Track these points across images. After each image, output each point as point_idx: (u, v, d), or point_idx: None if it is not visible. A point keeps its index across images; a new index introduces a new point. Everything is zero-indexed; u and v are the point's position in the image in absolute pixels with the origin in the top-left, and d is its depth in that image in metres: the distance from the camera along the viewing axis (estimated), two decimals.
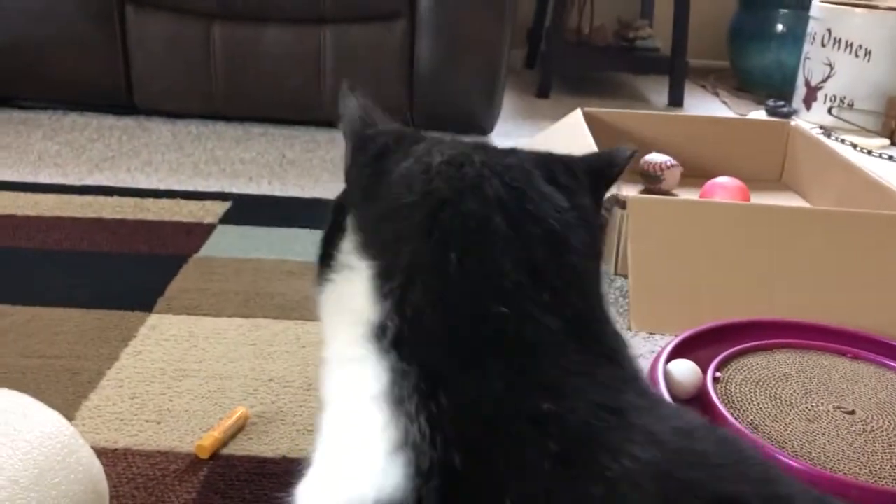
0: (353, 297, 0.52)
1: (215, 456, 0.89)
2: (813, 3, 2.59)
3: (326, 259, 0.58)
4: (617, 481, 0.41)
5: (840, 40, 2.47)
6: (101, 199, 1.58)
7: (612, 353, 0.50)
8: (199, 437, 0.90)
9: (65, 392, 0.98)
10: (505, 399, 0.45)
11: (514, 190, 0.53)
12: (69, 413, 0.94)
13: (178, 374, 1.04)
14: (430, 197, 0.52)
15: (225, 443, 0.91)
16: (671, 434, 0.45)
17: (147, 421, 0.94)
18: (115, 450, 0.89)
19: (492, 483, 0.42)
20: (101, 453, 0.84)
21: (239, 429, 0.93)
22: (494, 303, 0.48)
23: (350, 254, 0.54)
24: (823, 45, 2.51)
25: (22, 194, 1.57)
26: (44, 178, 1.68)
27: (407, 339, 0.47)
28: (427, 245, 0.50)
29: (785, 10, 2.79)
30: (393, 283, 0.50)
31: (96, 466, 0.71)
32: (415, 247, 0.50)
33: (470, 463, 0.43)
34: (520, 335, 0.47)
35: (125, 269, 1.32)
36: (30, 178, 1.68)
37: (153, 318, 1.16)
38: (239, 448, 0.90)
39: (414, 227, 0.51)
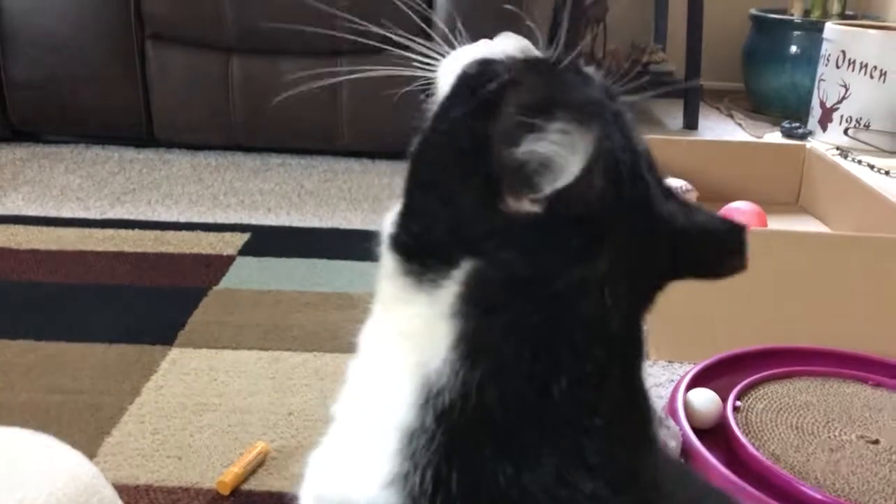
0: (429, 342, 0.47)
1: (236, 492, 0.89)
2: (826, 24, 2.59)
3: (426, 263, 0.47)
4: None
5: (854, 62, 2.47)
6: (123, 232, 1.60)
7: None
8: (220, 473, 0.91)
9: (87, 428, 0.99)
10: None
11: None
12: (91, 450, 0.95)
13: (199, 408, 1.04)
14: None
15: (245, 478, 0.91)
16: None
17: (168, 457, 0.95)
18: (137, 486, 0.90)
19: None
20: (123, 490, 0.85)
21: (259, 464, 0.94)
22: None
23: (448, 300, 0.46)
24: (838, 67, 2.51)
25: (45, 228, 1.60)
26: (66, 213, 1.71)
27: (457, 411, 0.46)
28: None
29: (798, 32, 2.80)
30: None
31: None
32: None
33: None
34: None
35: (146, 302, 1.33)
36: (52, 213, 1.70)
37: (174, 352, 1.17)
38: (259, 483, 0.91)
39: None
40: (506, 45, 0.51)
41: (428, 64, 0.52)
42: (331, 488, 0.49)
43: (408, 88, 0.55)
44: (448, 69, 0.50)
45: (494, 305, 0.45)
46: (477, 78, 0.48)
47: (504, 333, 0.45)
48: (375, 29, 0.60)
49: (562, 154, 0.42)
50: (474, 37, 0.54)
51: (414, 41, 0.52)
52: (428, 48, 0.52)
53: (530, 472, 0.44)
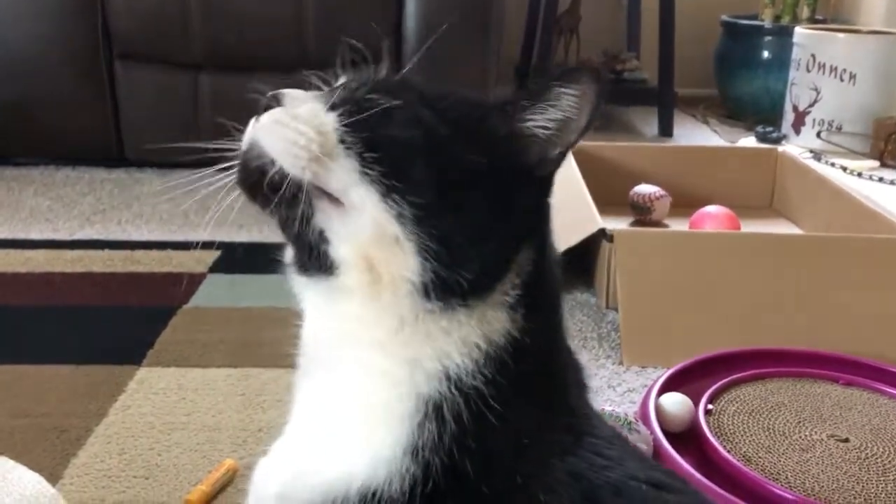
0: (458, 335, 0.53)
1: None
2: (796, 29, 2.61)
3: (472, 283, 0.52)
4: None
5: (825, 65, 2.49)
6: (92, 252, 1.58)
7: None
8: (187, 492, 0.90)
9: (52, 451, 0.98)
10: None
11: None
12: (57, 472, 0.93)
13: (167, 427, 1.03)
14: None
15: (213, 496, 0.90)
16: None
17: (135, 477, 0.94)
18: None
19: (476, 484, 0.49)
20: None
21: (228, 482, 0.92)
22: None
23: (501, 295, 0.54)
24: (808, 71, 2.53)
25: (12, 251, 1.58)
26: (35, 234, 1.69)
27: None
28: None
29: (769, 37, 2.82)
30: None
31: None
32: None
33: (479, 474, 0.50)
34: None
35: (115, 323, 1.32)
36: (21, 235, 1.68)
37: (142, 372, 1.16)
38: (227, 501, 0.90)
39: None
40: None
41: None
42: (301, 486, 0.52)
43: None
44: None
45: (544, 272, 0.55)
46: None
47: (547, 290, 0.56)
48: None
49: (576, 108, 0.51)
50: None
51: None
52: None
53: (529, 418, 0.52)
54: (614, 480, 0.50)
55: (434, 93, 0.55)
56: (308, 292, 0.57)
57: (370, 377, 0.53)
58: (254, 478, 0.57)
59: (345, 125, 0.53)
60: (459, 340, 0.52)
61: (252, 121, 0.55)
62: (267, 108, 0.54)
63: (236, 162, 0.56)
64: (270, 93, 0.55)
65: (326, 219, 0.53)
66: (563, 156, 0.53)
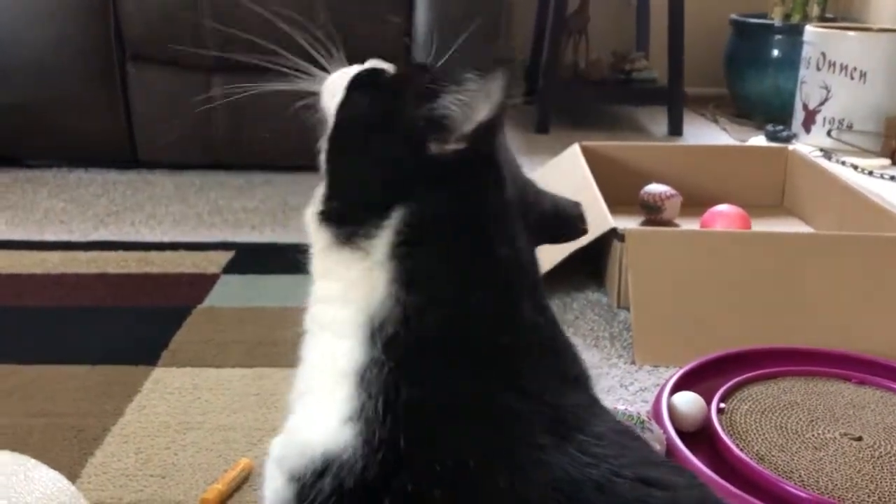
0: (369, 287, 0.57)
1: None
2: (806, 28, 2.61)
3: (359, 222, 0.57)
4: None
5: (835, 63, 2.49)
6: (106, 254, 1.60)
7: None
8: (203, 491, 0.90)
9: (70, 450, 0.99)
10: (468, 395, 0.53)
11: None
12: (74, 471, 0.94)
13: (183, 427, 1.04)
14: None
15: (230, 495, 0.91)
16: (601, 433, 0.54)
17: (152, 476, 0.95)
18: None
19: (429, 458, 0.51)
20: None
21: (243, 480, 0.93)
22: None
23: (384, 247, 0.56)
24: (819, 69, 2.53)
25: (27, 253, 1.59)
26: (49, 236, 1.70)
27: (402, 337, 0.54)
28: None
29: (779, 36, 2.81)
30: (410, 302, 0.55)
31: None
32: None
33: (414, 445, 0.51)
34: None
35: (130, 323, 1.33)
36: (35, 237, 1.70)
37: (157, 372, 1.17)
38: (243, 500, 0.90)
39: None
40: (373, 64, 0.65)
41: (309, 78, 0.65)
42: (290, 445, 0.55)
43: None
44: (334, 83, 0.64)
45: (427, 240, 0.56)
46: (370, 75, 0.63)
47: (437, 262, 0.56)
48: None
49: (477, 99, 0.55)
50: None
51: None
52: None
53: (462, 388, 0.53)
54: (597, 477, 0.50)
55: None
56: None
57: (319, 336, 0.59)
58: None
59: (347, 87, 0.62)
60: (362, 279, 0.56)
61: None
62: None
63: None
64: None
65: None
66: (466, 139, 0.56)
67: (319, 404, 0.55)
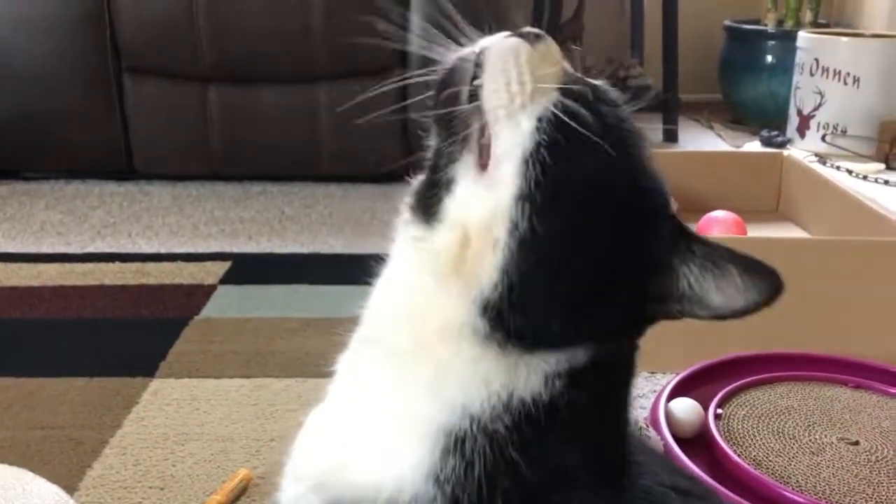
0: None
1: None
2: (799, 33, 2.62)
3: (532, 339, 0.50)
4: None
5: (828, 69, 2.50)
6: (103, 265, 1.60)
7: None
8: (202, 502, 0.91)
9: (68, 462, 0.99)
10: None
11: None
12: (73, 483, 0.94)
13: (181, 438, 1.04)
14: None
15: None
16: None
17: (150, 487, 0.95)
18: None
19: None
20: None
21: (242, 491, 0.93)
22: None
23: (540, 373, 0.50)
24: (812, 75, 2.54)
25: (25, 265, 1.59)
26: (46, 248, 1.71)
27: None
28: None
29: (773, 42, 2.82)
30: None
31: None
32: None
33: None
34: None
35: (127, 335, 1.33)
36: (32, 249, 1.70)
37: (155, 383, 1.17)
38: None
39: None
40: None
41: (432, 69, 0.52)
42: (343, 478, 0.50)
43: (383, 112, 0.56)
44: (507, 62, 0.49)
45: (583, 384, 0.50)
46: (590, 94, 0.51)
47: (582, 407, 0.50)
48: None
49: None
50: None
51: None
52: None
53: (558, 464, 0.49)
54: None
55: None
56: (404, 234, 0.53)
57: (400, 380, 0.51)
58: (293, 450, 0.56)
59: (555, 111, 0.48)
60: (482, 377, 0.49)
61: (503, 35, 0.51)
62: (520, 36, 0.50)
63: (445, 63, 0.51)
64: (533, 31, 0.50)
65: (464, 173, 0.49)
66: None
67: (379, 445, 0.50)
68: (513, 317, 0.48)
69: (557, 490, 0.49)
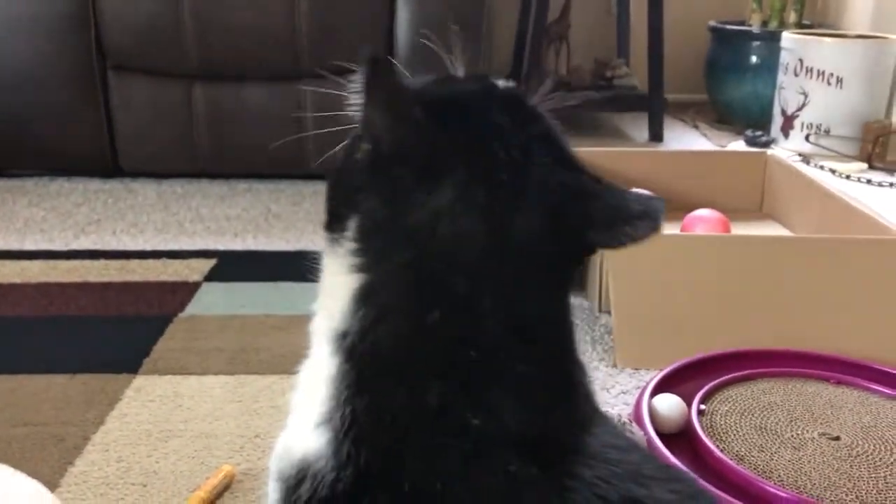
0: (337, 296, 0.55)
1: None
2: (783, 34, 2.64)
3: (336, 227, 0.55)
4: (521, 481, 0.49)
5: (812, 69, 2.52)
6: (87, 262, 1.59)
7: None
8: (185, 498, 0.90)
9: (50, 459, 0.98)
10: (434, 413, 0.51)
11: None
12: (55, 480, 0.94)
13: (164, 434, 1.04)
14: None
15: (212, 502, 0.91)
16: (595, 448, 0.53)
17: (133, 484, 0.94)
18: None
19: (396, 477, 0.49)
20: None
21: (225, 487, 0.93)
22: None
23: (344, 258, 0.54)
24: (796, 75, 2.55)
25: (8, 262, 1.58)
26: (29, 245, 1.69)
27: (360, 348, 0.53)
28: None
29: (757, 42, 2.84)
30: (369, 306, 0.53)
31: None
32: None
33: (376, 461, 0.50)
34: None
35: (111, 332, 1.32)
36: (15, 246, 1.69)
37: (139, 380, 1.16)
38: None
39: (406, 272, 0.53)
40: None
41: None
42: (279, 446, 0.55)
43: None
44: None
45: (373, 250, 0.53)
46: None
47: (385, 273, 0.53)
48: None
49: (357, 101, 0.53)
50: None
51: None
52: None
53: (419, 401, 0.50)
54: (580, 502, 0.49)
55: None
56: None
57: (314, 340, 0.57)
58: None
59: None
60: (333, 288, 0.55)
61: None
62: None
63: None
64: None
65: None
66: (366, 139, 0.53)
67: (304, 408, 0.55)
68: (325, 211, 0.57)
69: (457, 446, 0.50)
